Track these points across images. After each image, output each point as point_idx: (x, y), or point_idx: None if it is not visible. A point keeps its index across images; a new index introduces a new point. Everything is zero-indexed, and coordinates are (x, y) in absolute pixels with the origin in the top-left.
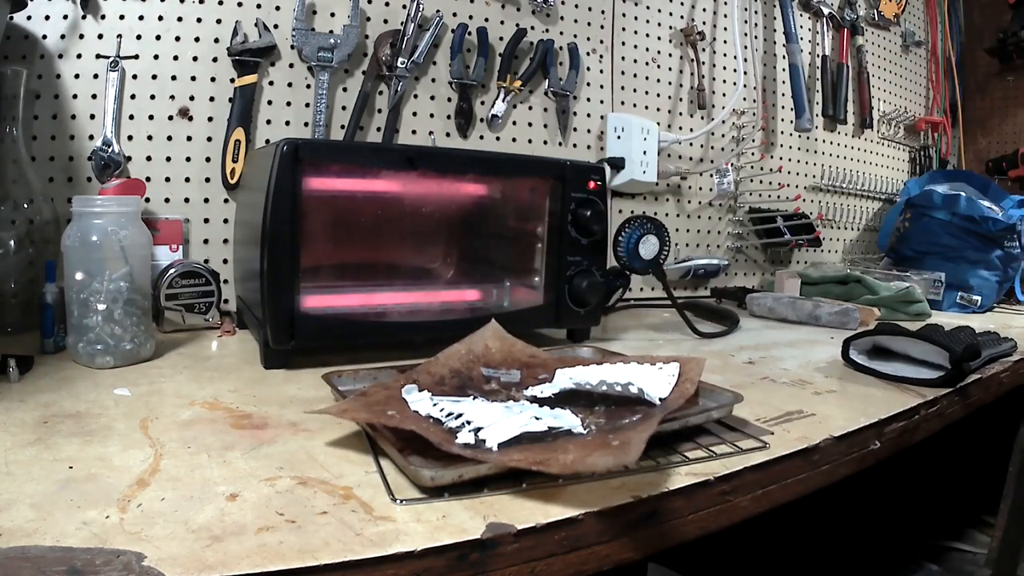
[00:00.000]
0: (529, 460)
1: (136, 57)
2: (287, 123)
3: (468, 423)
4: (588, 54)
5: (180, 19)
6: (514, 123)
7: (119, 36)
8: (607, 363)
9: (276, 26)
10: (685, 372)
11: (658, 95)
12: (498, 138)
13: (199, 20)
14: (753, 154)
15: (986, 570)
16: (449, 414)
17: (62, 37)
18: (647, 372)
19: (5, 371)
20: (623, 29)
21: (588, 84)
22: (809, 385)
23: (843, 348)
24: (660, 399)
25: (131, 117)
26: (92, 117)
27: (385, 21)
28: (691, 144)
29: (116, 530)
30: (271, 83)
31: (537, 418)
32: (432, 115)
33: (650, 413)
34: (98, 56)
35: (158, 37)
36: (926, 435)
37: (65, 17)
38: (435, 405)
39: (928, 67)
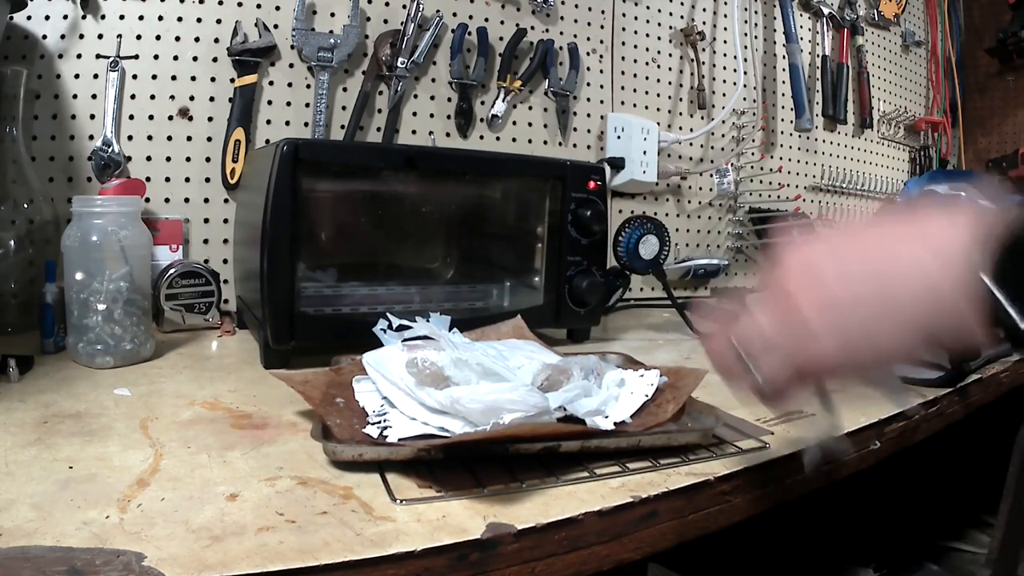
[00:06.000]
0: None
1: (136, 57)
2: (287, 123)
3: (389, 427)
4: (588, 54)
5: (180, 19)
6: (514, 123)
7: (119, 36)
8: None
9: (276, 26)
10: (675, 386)
11: (658, 95)
12: (498, 138)
13: (199, 20)
14: (753, 154)
15: (986, 570)
16: (382, 414)
17: (62, 37)
18: (629, 379)
19: (5, 371)
20: (623, 29)
21: (588, 84)
22: None
23: None
24: (615, 423)
25: (131, 117)
26: (92, 117)
27: (385, 21)
28: (691, 144)
29: (116, 530)
30: (271, 83)
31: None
32: (432, 115)
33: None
34: (98, 56)
35: (158, 37)
36: (926, 435)
37: (65, 17)
38: (380, 401)
39: (928, 67)
